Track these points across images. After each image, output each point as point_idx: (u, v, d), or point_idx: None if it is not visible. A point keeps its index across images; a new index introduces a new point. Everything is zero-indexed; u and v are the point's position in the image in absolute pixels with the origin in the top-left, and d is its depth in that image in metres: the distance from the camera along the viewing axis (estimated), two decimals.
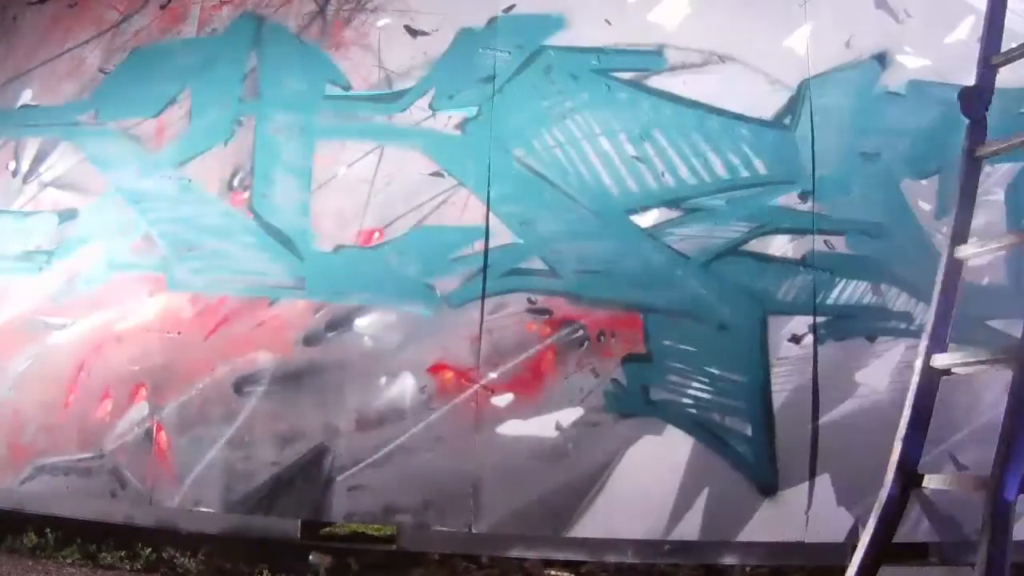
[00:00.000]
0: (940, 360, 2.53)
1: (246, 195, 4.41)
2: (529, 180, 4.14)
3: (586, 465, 3.90)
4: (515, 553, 4.04)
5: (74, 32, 4.80)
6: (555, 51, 4.21)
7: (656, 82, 4.12)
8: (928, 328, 2.57)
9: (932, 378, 2.56)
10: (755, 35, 4.07)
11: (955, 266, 2.68)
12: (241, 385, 4.28)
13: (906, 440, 2.52)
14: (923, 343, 2.57)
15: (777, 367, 3.87)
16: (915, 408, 2.56)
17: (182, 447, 4.29)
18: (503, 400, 4.03)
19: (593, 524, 3.86)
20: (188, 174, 4.49)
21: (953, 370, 2.56)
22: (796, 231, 3.94)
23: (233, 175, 4.44)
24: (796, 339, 3.88)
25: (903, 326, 3.86)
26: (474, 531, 4.01)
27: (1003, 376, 2.69)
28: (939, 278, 2.64)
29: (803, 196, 3.94)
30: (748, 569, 3.94)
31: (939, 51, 3.97)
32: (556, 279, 4.07)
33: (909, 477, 2.51)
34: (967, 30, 3.90)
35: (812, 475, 3.80)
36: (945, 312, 2.61)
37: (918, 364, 2.56)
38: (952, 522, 3.76)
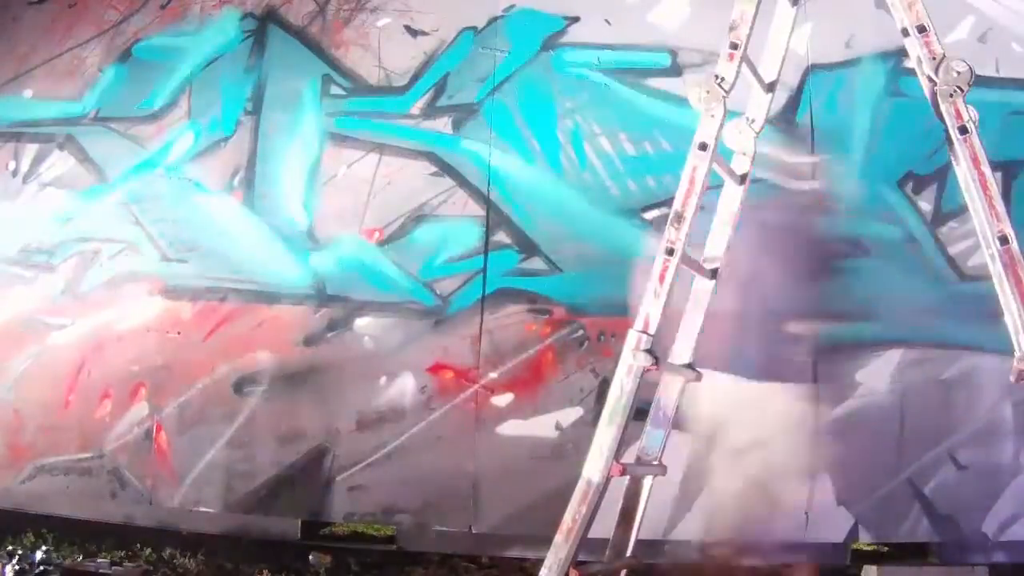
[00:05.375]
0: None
1: (246, 195, 4.41)
2: (529, 180, 4.14)
3: None
4: (515, 553, 4.05)
5: (74, 32, 4.79)
6: (555, 51, 4.20)
7: (656, 82, 4.12)
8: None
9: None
10: (755, 34, 4.06)
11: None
12: (241, 385, 4.28)
13: None
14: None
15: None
16: None
17: (182, 447, 4.29)
18: (503, 400, 4.04)
19: (593, 524, 3.86)
20: (188, 174, 4.49)
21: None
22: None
23: (233, 174, 4.44)
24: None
25: (903, 326, 3.85)
26: (474, 531, 4.01)
27: (1003, 375, 2.70)
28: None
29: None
30: (748, 569, 3.94)
31: None
32: (556, 279, 4.08)
33: None
34: (967, 30, 3.90)
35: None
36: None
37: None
38: (952, 522, 3.76)
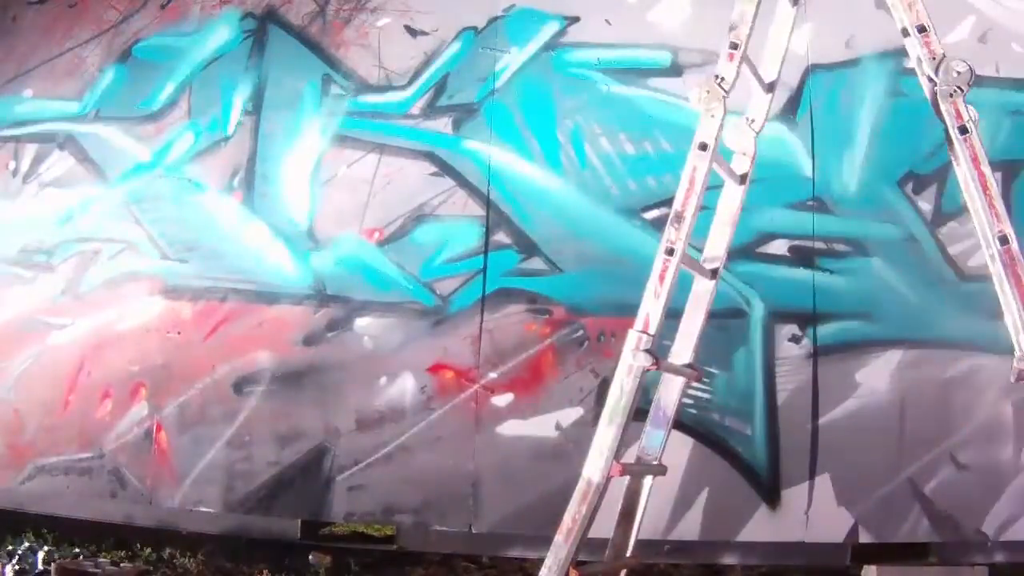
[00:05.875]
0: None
1: (246, 195, 4.42)
2: (529, 180, 4.14)
3: None
4: (515, 553, 4.05)
5: (74, 32, 4.79)
6: (555, 51, 4.21)
7: (656, 82, 4.12)
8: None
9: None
10: (755, 34, 4.06)
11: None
12: (241, 385, 4.28)
13: None
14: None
15: (777, 367, 3.88)
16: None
17: (182, 447, 4.29)
18: (503, 400, 4.04)
19: (593, 524, 3.86)
20: (188, 174, 4.49)
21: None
22: (797, 231, 3.95)
23: (233, 174, 4.44)
24: (796, 339, 3.88)
25: (903, 326, 3.85)
26: (474, 531, 4.01)
27: (1003, 375, 2.70)
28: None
29: (804, 196, 3.94)
30: (748, 569, 3.94)
31: None
32: (556, 279, 4.08)
33: None
34: (967, 30, 3.90)
35: (812, 475, 3.80)
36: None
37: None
38: (952, 522, 3.76)
